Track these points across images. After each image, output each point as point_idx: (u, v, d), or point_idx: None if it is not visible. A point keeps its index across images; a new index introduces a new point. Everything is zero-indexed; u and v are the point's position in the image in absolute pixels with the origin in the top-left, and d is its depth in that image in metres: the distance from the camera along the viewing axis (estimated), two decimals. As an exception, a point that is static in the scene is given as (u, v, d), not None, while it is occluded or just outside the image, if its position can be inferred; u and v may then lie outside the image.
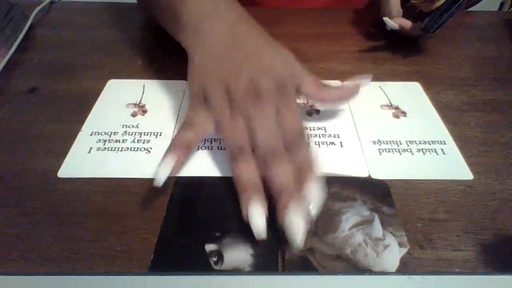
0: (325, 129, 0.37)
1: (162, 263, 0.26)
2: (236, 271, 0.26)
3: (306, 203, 0.26)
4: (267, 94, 0.29)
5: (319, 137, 0.36)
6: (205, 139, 0.35)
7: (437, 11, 0.43)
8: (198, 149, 0.34)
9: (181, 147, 0.30)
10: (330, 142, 0.35)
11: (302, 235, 0.25)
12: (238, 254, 0.27)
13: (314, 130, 0.37)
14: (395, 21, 0.46)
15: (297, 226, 0.25)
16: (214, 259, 0.26)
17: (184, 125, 0.31)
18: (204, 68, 0.32)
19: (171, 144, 0.30)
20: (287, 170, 0.27)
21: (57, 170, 0.32)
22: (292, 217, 0.25)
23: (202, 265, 0.26)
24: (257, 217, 0.26)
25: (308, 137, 0.30)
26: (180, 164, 0.30)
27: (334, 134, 0.36)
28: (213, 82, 0.31)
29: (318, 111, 0.39)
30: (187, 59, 0.34)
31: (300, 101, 0.40)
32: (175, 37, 0.39)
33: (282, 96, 0.30)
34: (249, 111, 0.29)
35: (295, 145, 0.29)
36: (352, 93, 0.35)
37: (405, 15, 0.47)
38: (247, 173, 0.28)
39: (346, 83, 0.36)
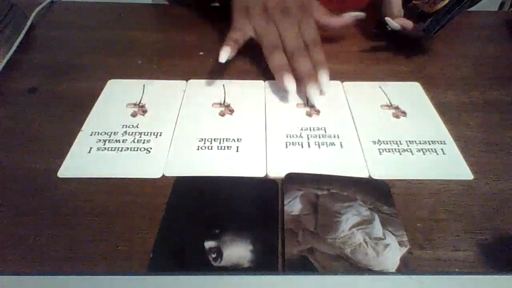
0: (325, 129, 0.37)
1: (161, 260, 0.26)
2: (235, 267, 0.26)
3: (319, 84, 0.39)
4: (293, 10, 0.43)
5: (319, 137, 0.36)
6: (205, 139, 0.35)
7: (439, 12, 0.43)
8: (198, 149, 0.34)
9: (233, 42, 0.41)
10: (330, 142, 0.35)
11: (316, 100, 0.39)
12: (237, 250, 0.27)
13: (314, 130, 0.37)
14: (396, 21, 0.46)
15: (314, 94, 0.39)
16: (214, 255, 0.26)
17: (232, 30, 0.43)
18: None
19: (226, 41, 0.41)
20: (307, 62, 0.40)
21: (57, 170, 0.32)
22: (311, 91, 0.39)
23: (201, 262, 0.26)
24: (288, 82, 0.39)
25: (320, 43, 0.43)
26: (234, 51, 0.41)
27: (334, 134, 0.36)
28: (253, 0, 0.43)
29: (318, 112, 0.39)
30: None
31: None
32: None
33: (304, 13, 0.43)
34: (281, 22, 0.42)
35: (313, 47, 0.42)
36: (349, 20, 0.47)
37: (406, 16, 0.47)
38: (281, 60, 0.41)
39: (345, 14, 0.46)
